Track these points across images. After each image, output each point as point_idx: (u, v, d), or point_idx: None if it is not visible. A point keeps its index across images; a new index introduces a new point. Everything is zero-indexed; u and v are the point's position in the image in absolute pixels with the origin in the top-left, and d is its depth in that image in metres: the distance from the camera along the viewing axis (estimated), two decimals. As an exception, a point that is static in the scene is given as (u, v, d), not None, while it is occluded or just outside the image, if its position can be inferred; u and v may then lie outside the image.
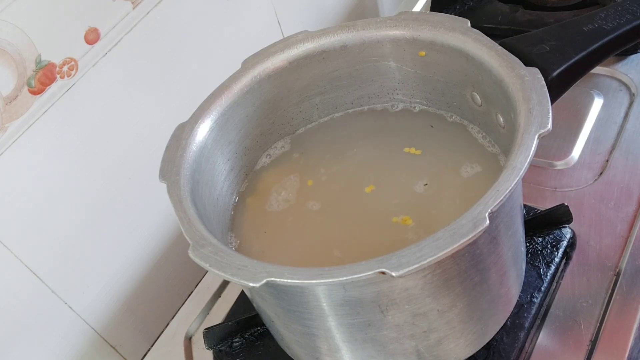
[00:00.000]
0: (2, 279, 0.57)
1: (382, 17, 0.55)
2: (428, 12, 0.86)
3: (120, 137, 0.64)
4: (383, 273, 0.37)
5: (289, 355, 0.55)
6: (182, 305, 0.70)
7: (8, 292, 0.57)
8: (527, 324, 0.55)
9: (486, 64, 0.49)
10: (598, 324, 0.55)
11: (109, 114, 0.63)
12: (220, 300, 0.69)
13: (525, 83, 0.45)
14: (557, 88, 0.48)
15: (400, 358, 0.48)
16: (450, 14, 0.76)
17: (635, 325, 0.54)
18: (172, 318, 0.69)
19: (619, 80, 0.74)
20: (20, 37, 0.53)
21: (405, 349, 0.47)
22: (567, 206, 0.60)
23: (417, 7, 0.94)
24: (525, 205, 0.63)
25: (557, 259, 0.59)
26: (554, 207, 0.61)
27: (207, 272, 0.70)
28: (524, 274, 0.55)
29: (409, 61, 0.56)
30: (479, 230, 0.38)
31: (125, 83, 0.63)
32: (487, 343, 0.52)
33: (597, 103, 0.73)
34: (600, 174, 0.66)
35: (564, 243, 0.60)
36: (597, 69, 0.75)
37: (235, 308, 0.66)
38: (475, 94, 0.53)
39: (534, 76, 0.46)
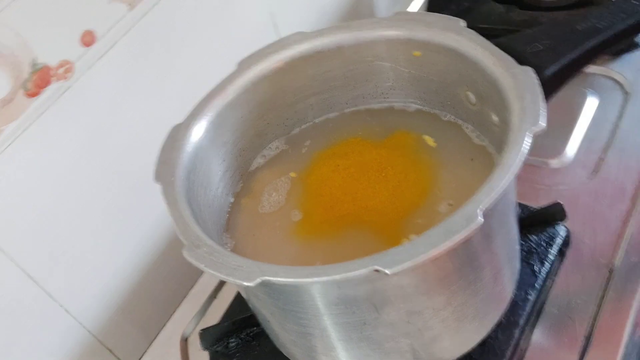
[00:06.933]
0: (-1, 283, 0.57)
1: (377, 18, 0.56)
2: (423, 12, 0.87)
3: (116, 139, 0.64)
4: (377, 271, 0.37)
5: (285, 354, 0.55)
6: (178, 307, 0.70)
7: (5, 296, 0.57)
8: (521, 321, 0.55)
9: (480, 63, 0.49)
10: (592, 321, 0.55)
11: (105, 117, 0.63)
12: (216, 301, 0.69)
13: (519, 82, 0.46)
14: (550, 86, 0.49)
15: (395, 356, 0.48)
16: (446, 14, 0.76)
17: (629, 322, 0.54)
18: (169, 319, 0.69)
19: (613, 79, 0.75)
20: (15, 39, 0.53)
21: (401, 347, 0.47)
22: (561, 204, 0.61)
23: (413, 8, 0.95)
24: (519, 203, 0.63)
25: (551, 257, 0.59)
26: (548, 205, 0.61)
27: (203, 273, 0.70)
28: (518, 271, 0.55)
29: (403, 61, 0.56)
30: (473, 227, 0.38)
31: (121, 85, 0.63)
32: (482, 340, 0.52)
33: (592, 102, 0.73)
34: (595, 172, 0.66)
35: (559, 241, 0.60)
36: (592, 68, 0.76)
37: (231, 308, 0.66)
38: (469, 93, 0.53)
39: (528, 75, 0.46)
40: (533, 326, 0.56)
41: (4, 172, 0.55)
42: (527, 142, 0.42)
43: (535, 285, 0.57)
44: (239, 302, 0.66)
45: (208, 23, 0.71)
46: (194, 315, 0.68)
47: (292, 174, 0.57)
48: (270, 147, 0.60)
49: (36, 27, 0.54)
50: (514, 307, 0.56)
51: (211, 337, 0.62)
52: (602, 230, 0.61)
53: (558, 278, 0.59)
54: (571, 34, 0.51)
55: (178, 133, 0.51)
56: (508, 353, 0.54)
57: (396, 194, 0.53)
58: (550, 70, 0.49)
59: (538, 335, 0.55)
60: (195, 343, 0.65)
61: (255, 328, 0.62)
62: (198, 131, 0.52)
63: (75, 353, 0.66)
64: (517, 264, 0.54)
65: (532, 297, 0.56)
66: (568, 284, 0.58)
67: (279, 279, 0.39)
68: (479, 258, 0.46)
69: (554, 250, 0.59)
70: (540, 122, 0.42)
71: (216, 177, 0.55)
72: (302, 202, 0.55)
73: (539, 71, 0.47)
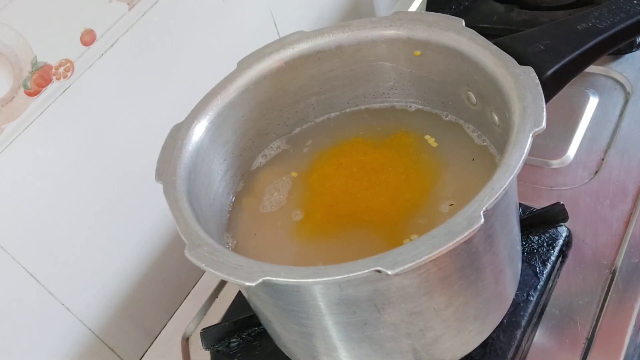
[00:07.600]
0: (0, 282, 0.57)
1: (377, 17, 0.56)
2: (423, 11, 0.86)
3: (116, 138, 0.64)
4: (379, 271, 0.37)
5: (286, 354, 0.55)
6: (179, 306, 0.70)
7: (6, 295, 0.57)
8: (523, 322, 0.55)
9: (481, 63, 0.49)
10: (594, 322, 0.55)
11: (105, 116, 0.63)
12: (217, 300, 0.69)
13: (520, 82, 0.46)
14: (551, 87, 0.48)
15: (397, 357, 0.48)
16: (446, 13, 0.76)
17: (631, 323, 0.54)
18: (170, 319, 0.69)
19: (614, 79, 0.75)
20: (16, 38, 0.53)
21: (402, 348, 0.47)
22: (562, 205, 0.61)
23: (413, 7, 0.95)
24: (521, 204, 0.63)
25: (553, 258, 0.59)
26: (549, 205, 0.61)
27: (204, 272, 0.70)
28: (520, 272, 0.55)
29: (404, 61, 0.56)
30: (474, 228, 0.38)
31: (122, 84, 0.63)
32: (484, 341, 0.52)
33: (593, 102, 0.73)
34: (596, 172, 0.66)
35: (560, 241, 0.60)
36: (592, 68, 0.75)
37: (233, 308, 0.66)
38: (470, 93, 0.53)
39: (528, 75, 0.46)
40: (535, 327, 0.56)
41: (5, 170, 0.55)
42: (528, 143, 0.42)
43: (537, 286, 0.57)
44: (240, 302, 0.66)
45: (208, 22, 0.71)
46: (195, 314, 0.68)
47: (294, 174, 0.57)
48: (271, 147, 0.60)
49: (36, 26, 0.54)
50: (516, 308, 0.56)
51: (212, 337, 0.62)
52: (604, 231, 0.60)
53: (560, 279, 0.58)
54: (572, 34, 0.51)
55: (179, 132, 0.51)
56: (510, 354, 0.54)
57: (397, 194, 0.53)
58: (551, 70, 0.48)
59: (540, 337, 0.55)
60: (196, 343, 0.65)
61: (256, 328, 0.62)
62: (199, 130, 0.52)
63: (77, 352, 0.66)
64: (518, 265, 0.54)
65: (533, 298, 0.56)
66: (570, 285, 0.58)
67: (280, 279, 0.39)
68: (480, 258, 0.46)
69: (555, 251, 0.59)
70: (541, 123, 0.42)
71: (217, 177, 0.55)
72: (303, 201, 0.55)
73: (539, 71, 0.47)
